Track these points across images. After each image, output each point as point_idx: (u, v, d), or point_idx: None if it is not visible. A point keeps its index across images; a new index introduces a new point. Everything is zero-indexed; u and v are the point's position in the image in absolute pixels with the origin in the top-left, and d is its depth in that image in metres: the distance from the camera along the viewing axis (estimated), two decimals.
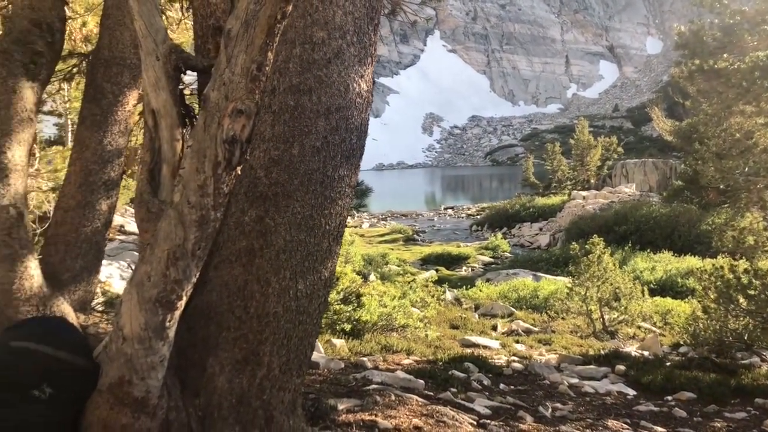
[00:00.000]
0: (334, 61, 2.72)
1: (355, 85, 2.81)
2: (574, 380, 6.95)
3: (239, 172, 2.36)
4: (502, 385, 6.21)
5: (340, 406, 3.98)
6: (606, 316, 11.39)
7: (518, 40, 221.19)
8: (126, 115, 3.90)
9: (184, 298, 2.31)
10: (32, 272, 3.09)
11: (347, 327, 8.04)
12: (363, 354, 7.08)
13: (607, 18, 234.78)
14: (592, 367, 7.93)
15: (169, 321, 2.28)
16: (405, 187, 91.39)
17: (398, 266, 21.24)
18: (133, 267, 9.20)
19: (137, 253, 11.43)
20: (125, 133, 3.91)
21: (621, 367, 7.77)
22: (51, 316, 3.06)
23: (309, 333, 2.85)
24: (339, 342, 7.38)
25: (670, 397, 6.51)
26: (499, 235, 33.63)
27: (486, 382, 6.24)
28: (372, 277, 13.63)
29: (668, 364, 8.10)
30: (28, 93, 3.27)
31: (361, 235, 34.80)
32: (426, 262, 26.19)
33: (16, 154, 3.14)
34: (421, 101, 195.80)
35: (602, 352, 8.94)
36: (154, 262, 2.25)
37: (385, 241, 34.27)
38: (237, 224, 2.62)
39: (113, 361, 2.33)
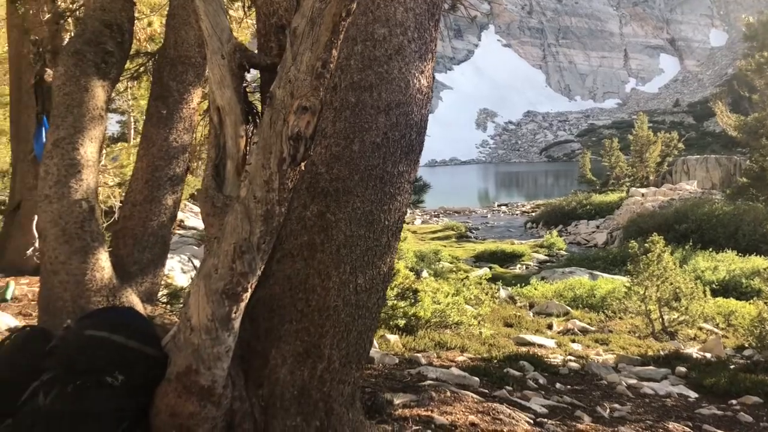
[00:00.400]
0: (395, 58, 2.73)
1: (415, 81, 2.81)
2: (633, 381, 6.81)
3: (303, 168, 2.40)
4: (558, 385, 6.13)
5: (396, 401, 4.01)
6: (665, 317, 11.09)
7: (575, 33, 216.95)
8: (190, 113, 4.01)
9: (249, 291, 2.37)
10: (103, 264, 3.22)
11: (401, 323, 8.07)
12: (417, 350, 7.09)
13: (668, 10, 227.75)
14: (651, 368, 7.75)
15: (235, 312, 2.34)
16: (458, 183, 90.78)
17: (451, 263, 21.16)
18: (194, 260, 9.46)
19: (196, 247, 11.69)
20: (190, 130, 4.02)
21: (682, 369, 7.56)
22: (121, 306, 3.19)
23: (368, 327, 2.87)
24: (393, 337, 7.41)
25: (734, 401, 6.30)
26: (555, 232, 33.10)
27: (542, 381, 6.17)
28: (424, 273, 13.61)
29: (732, 366, 7.84)
30: (99, 91, 3.40)
31: (414, 232, 34.78)
32: (479, 259, 26.04)
33: (88, 150, 3.28)
34: (475, 97, 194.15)
35: (662, 353, 8.72)
36: (221, 255, 2.31)
37: (438, 238, 34.22)
38: (299, 219, 2.66)
39: (181, 350, 2.41)
